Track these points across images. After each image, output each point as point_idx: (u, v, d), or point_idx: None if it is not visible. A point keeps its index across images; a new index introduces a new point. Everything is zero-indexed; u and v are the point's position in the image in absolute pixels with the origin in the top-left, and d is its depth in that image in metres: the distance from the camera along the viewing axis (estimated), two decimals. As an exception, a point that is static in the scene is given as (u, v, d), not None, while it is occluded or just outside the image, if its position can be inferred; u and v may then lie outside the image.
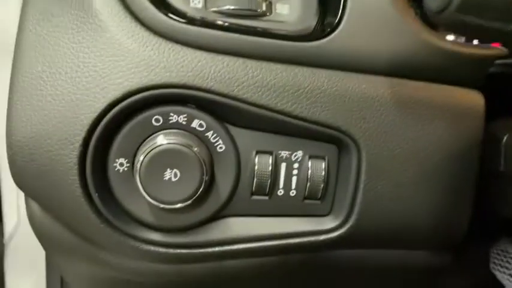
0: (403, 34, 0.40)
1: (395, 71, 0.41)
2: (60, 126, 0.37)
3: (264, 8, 0.40)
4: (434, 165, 0.42)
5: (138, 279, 0.46)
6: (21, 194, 0.80)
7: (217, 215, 0.42)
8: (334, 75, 0.40)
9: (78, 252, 0.44)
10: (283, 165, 0.42)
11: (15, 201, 0.81)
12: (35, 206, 0.43)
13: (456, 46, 0.42)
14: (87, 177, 0.38)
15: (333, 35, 0.39)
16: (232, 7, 0.39)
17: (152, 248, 0.41)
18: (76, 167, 0.38)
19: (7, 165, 0.39)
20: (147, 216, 0.41)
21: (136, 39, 0.38)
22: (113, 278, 0.47)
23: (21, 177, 0.39)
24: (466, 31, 0.34)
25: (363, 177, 0.41)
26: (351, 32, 0.40)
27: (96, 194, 0.39)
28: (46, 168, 0.38)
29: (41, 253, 0.84)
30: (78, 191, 0.38)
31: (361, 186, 0.41)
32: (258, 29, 0.40)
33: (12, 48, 0.39)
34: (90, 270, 0.47)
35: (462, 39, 0.47)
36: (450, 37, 0.44)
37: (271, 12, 0.41)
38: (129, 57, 0.37)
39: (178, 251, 0.42)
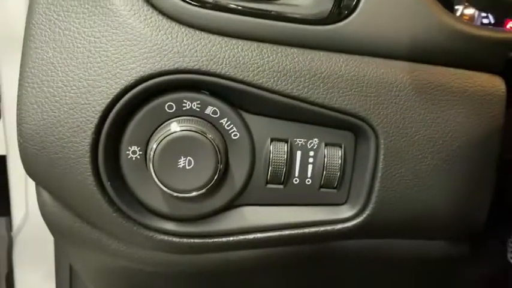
0: (422, 16, 0.39)
1: (414, 55, 0.40)
2: (71, 113, 0.37)
3: (278, -9, 0.39)
4: (453, 152, 0.41)
5: (150, 269, 0.45)
6: (30, 187, 0.80)
7: (232, 204, 0.41)
8: (351, 60, 0.39)
9: (89, 241, 0.43)
10: (299, 153, 0.41)
11: (24, 194, 0.81)
12: (45, 195, 0.42)
13: (475, 29, 0.41)
14: (100, 166, 0.38)
15: (350, 18, 0.38)
16: None
17: (166, 237, 0.40)
18: (88, 154, 0.37)
19: (16, 158, 0.39)
20: (161, 205, 0.40)
21: (148, 24, 0.37)
22: (124, 267, 0.46)
23: (32, 166, 0.38)
24: (498, 9, 0.33)
25: (380, 165, 0.40)
26: (369, 15, 0.38)
27: (109, 183, 0.38)
28: (57, 156, 0.37)
29: (50, 245, 0.84)
30: (90, 179, 0.38)
31: (379, 174, 0.40)
32: (273, 12, 0.39)
33: (19, 42, 0.38)
34: (101, 259, 0.47)
35: (478, 22, 0.46)
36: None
37: (286, -5, 0.40)
38: (141, 42, 0.36)
39: (192, 240, 0.41)
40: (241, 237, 0.41)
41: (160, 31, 0.37)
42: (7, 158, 0.80)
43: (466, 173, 0.41)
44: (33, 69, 0.37)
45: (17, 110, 0.37)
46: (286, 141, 0.40)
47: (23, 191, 0.81)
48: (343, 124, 0.40)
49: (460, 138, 0.41)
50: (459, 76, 0.41)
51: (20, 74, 0.37)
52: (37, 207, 0.44)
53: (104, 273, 0.50)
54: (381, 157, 0.40)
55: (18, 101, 0.37)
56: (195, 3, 0.37)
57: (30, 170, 0.39)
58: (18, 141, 0.38)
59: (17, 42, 0.40)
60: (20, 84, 0.37)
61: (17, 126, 0.38)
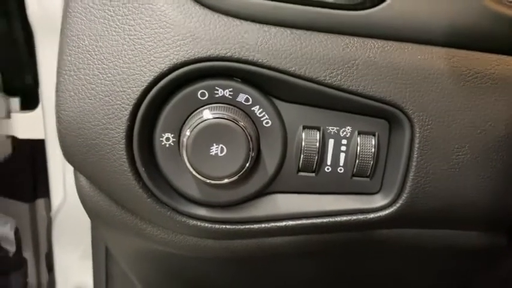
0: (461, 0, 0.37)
1: (452, 40, 0.38)
2: (107, 100, 0.37)
3: (311, -24, 0.39)
4: (493, 142, 0.39)
5: (183, 253, 0.46)
6: (68, 170, 0.82)
7: (264, 191, 0.41)
8: (386, 46, 0.38)
9: (124, 225, 0.44)
10: (331, 141, 0.40)
11: (62, 177, 0.84)
12: (83, 180, 0.43)
13: None
14: (134, 152, 0.38)
15: (385, 3, 0.37)
16: None
17: (198, 223, 0.41)
18: (123, 141, 0.38)
19: (54, 142, 0.40)
20: (194, 192, 0.40)
21: (181, 11, 0.37)
22: (158, 251, 0.47)
23: (70, 151, 0.40)
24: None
25: (415, 154, 0.39)
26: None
27: (143, 169, 0.39)
28: (94, 143, 0.38)
29: (87, 226, 0.86)
30: (125, 165, 0.38)
31: (414, 163, 0.39)
32: (306, -3, 0.38)
33: (56, 30, 0.39)
34: (135, 242, 0.48)
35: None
36: None
37: (319, -20, 0.39)
38: (174, 29, 0.37)
39: (224, 226, 0.41)
40: (273, 224, 0.42)
41: (193, 18, 0.37)
42: (46, 142, 0.82)
43: (505, 163, 0.40)
44: (70, 57, 0.38)
45: (56, 97, 0.38)
46: (319, 129, 0.40)
47: (61, 174, 0.84)
48: (377, 112, 0.39)
49: (500, 128, 0.39)
50: (500, 62, 0.39)
51: (58, 62, 0.38)
52: (75, 190, 0.45)
53: (138, 256, 0.51)
54: (416, 146, 0.39)
55: (56, 88, 0.38)
56: (227, -11, 0.37)
57: (68, 155, 0.40)
58: (57, 128, 0.39)
59: (55, 29, 0.41)
60: (58, 72, 0.38)
61: (56, 113, 0.39)
